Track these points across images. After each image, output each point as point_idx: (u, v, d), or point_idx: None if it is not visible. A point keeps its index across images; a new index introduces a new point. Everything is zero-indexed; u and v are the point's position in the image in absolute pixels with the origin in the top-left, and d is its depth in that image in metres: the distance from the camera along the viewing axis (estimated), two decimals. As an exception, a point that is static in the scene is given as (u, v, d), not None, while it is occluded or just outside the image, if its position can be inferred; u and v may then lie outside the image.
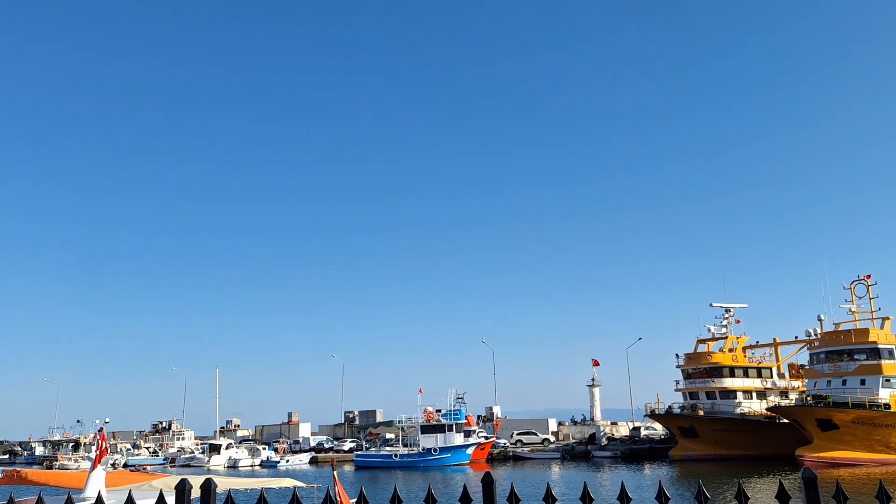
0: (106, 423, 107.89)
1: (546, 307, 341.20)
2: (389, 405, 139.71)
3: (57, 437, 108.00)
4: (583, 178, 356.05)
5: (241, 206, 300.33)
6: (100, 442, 10.08)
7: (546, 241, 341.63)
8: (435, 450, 65.78)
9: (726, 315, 72.64)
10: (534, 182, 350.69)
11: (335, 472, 9.85)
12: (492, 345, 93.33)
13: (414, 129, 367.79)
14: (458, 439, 67.42)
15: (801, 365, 76.80)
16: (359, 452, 72.16)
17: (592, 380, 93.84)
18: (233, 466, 75.97)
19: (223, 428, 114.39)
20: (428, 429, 67.55)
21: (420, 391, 72.11)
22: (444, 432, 67.02)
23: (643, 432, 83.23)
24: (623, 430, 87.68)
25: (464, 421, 69.55)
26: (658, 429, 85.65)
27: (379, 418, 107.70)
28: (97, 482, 9.60)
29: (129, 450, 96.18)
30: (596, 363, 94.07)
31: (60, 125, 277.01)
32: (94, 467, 9.73)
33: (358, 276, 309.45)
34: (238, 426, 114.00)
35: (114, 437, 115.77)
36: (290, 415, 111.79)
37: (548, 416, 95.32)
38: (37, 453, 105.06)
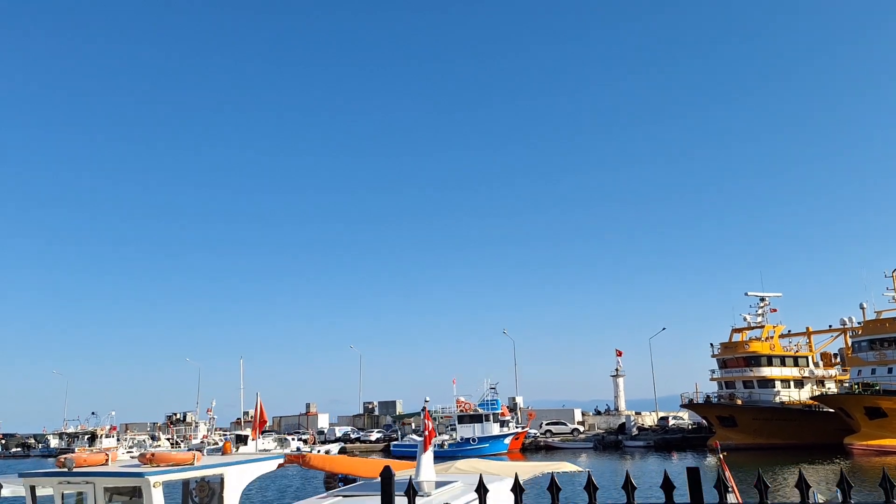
0: (112, 415, 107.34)
1: (567, 298, 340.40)
2: (408, 396, 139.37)
3: (71, 430, 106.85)
4: (607, 166, 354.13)
5: (259, 196, 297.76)
6: (426, 422, 9.30)
7: (568, 231, 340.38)
8: (473, 439, 65.20)
9: (761, 304, 72.30)
10: (554, 170, 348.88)
11: (721, 455, 9.10)
12: (512, 335, 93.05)
13: (424, 122, 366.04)
14: (495, 429, 66.88)
15: (833, 354, 76.77)
16: (396, 442, 71.54)
17: (616, 370, 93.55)
18: (262, 457, 75.14)
19: (239, 419, 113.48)
20: (465, 419, 66.99)
21: (454, 381, 71.60)
22: (482, 422, 66.47)
23: (671, 422, 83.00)
24: (648, 420, 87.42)
25: (500, 411, 69.04)
26: (685, 418, 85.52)
27: (399, 409, 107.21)
28: (428, 467, 8.86)
29: (144, 441, 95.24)
30: (619, 353, 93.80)
31: (71, 109, 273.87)
32: (424, 449, 8.96)
33: (375, 267, 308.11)
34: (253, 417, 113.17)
35: (126, 430, 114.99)
36: (308, 406, 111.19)
37: (570, 406, 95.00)
38: (52, 446, 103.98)
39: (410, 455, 66.16)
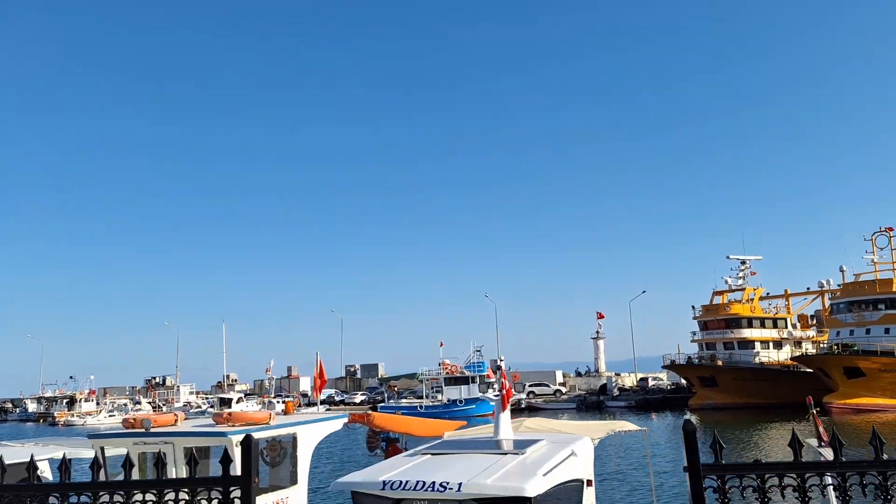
0: (90, 379, 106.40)
1: (548, 263, 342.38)
2: (390, 359, 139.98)
3: (49, 394, 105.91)
4: (589, 134, 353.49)
5: (240, 163, 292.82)
6: (502, 381, 9.28)
7: (551, 198, 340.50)
8: (460, 401, 65.92)
9: (742, 267, 73.51)
10: (538, 138, 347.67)
11: (814, 411, 9.19)
12: (494, 299, 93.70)
13: (409, 89, 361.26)
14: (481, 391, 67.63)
15: (810, 316, 78.58)
16: (383, 405, 72.00)
17: (597, 332, 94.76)
18: (248, 420, 75.31)
19: (220, 383, 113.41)
20: (451, 381, 67.62)
21: (441, 344, 72.00)
22: (468, 384, 67.15)
23: (651, 383, 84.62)
24: (627, 381, 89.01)
25: (486, 373, 69.72)
26: (664, 379, 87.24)
27: (381, 372, 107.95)
28: (507, 426, 8.88)
29: (126, 405, 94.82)
30: (601, 316, 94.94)
31: (48, 79, 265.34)
32: (502, 408, 8.95)
33: (357, 232, 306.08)
34: (236, 381, 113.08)
35: (105, 394, 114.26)
36: (289, 369, 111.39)
37: (551, 369, 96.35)
38: (30, 410, 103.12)
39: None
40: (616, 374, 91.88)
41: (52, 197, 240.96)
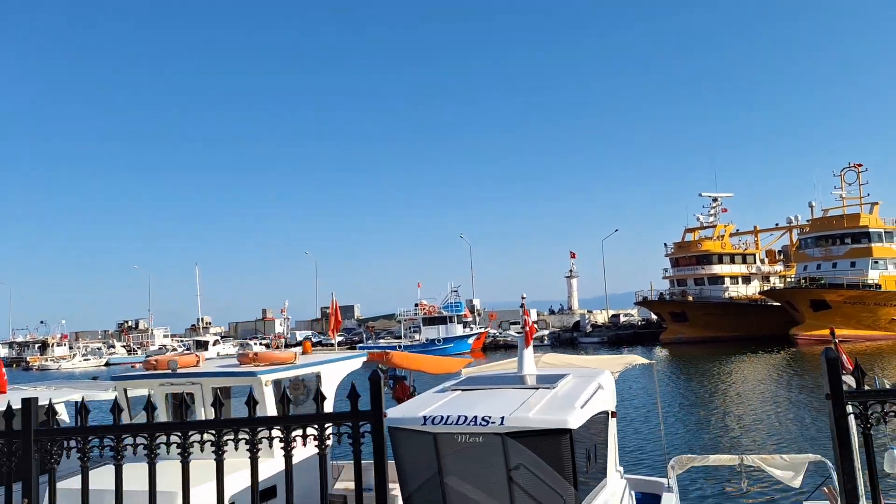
0: (62, 323, 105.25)
1: (521, 204, 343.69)
2: (366, 301, 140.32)
3: (21, 339, 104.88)
4: (564, 75, 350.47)
5: (216, 106, 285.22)
6: (525, 318, 9.38)
7: (524, 140, 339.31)
8: (438, 340, 66.69)
9: (713, 204, 74.51)
10: (513, 82, 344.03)
11: (836, 341, 9.45)
12: (469, 240, 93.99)
13: (391, 35, 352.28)
14: (459, 330, 68.48)
15: (777, 251, 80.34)
16: (361, 345, 72.54)
17: (570, 271, 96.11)
18: (226, 362, 75.50)
19: (194, 325, 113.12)
20: (429, 321, 68.28)
21: (419, 285, 72.45)
22: (446, 324, 67.92)
23: (622, 319, 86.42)
24: (600, 318, 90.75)
25: (463, 312, 70.54)
26: (635, 315, 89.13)
27: (357, 313, 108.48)
28: (530, 362, 9.02)
29: (100, 349, 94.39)
30: (573, 255, 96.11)
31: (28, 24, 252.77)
32: (525, 344, 9.07)
33: (329, 174, 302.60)
34: (209, 324, 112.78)
35: (77, 338, 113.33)
36: (264, 311, 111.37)
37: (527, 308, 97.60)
38: (2, 355, 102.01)
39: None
40: (588, 312, 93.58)
41: (18, 142, 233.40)
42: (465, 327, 70.34)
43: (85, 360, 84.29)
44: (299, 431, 4.01)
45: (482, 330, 72.68)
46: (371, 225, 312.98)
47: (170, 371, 9.18)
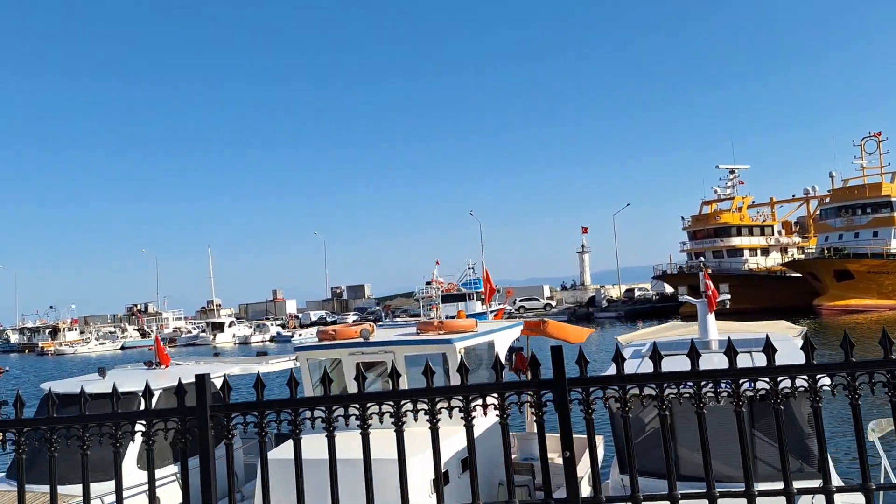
0: (72, 308, 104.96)
1: (532, 180, 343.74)
2: (376, 280, 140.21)
3: (31, 325, 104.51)
4: (576, 48, 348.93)
5: (221, 89, 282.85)
6: (707, 282, 9.13)
7: (534, 115, 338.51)
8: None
9: (731, 176, 74.14)
10: (524, 56, 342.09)
11: None
12: (479, 217, 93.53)
13: (394, 14, 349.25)
14: (478, 307, 68.15)
15: (794, 223, 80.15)
16: (380, 323, 72.41)
17: (582, 246, 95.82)
18: (244, 343, 75.34)
19: (204, 308, 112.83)
20: (448, 298, 67.97)
21: (437, 262, 71.74)
22: (465, 301, 67.65)
23: (637, 293, 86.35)
24: (613, 293, 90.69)
25: (482, 290, 70.21)
26: (649, 289, 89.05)
27: (367, 293, 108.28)
28: (713, 328, 8.81)
29: (113, 333, 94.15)
30: (585, 230, 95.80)
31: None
32: (709, 310, 8.84)
33: (338, 153, 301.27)
34: (220, 306, 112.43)
35: (87, 323, 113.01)
36: (274, 292, 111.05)
37: (537, 283, 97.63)
38: (13, 341, 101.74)
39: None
40: (601, 287, 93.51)
41: (25, 126, 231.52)
42: (482, 304, 70.10)
43: (101, 343, 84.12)
44: (479, 401, 3.82)
45: (500, 307, 72.44)
46: (378, 204, 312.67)
47: (361, 340, 9.00)
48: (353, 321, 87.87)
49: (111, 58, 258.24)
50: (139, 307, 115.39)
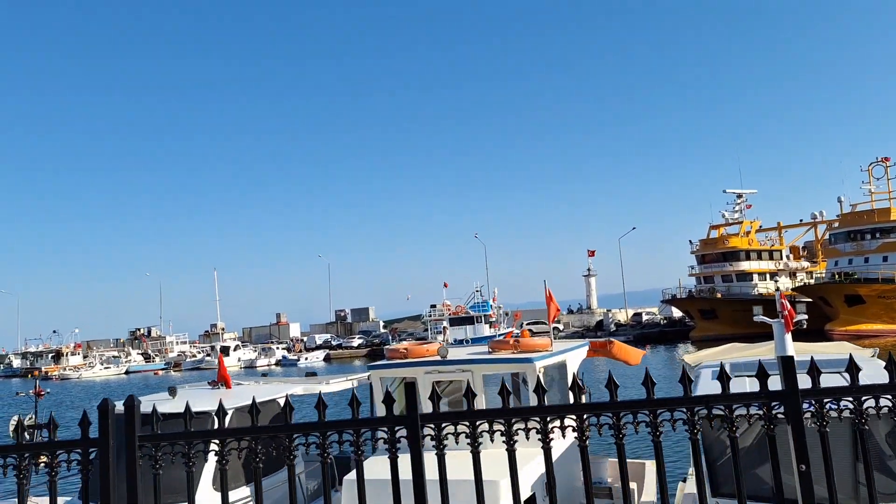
0: (75, 332, 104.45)
1: (538, 201, 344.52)
2: (380, 303, 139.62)
3: (34, 349, 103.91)
4: (581, 65, 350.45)
5: (221, 107, 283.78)
6: (783, 301, 8.95)
7: (538, 133, 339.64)
8: (466, 341, 66.07)
9: (738, 200, 74.22)
10: (526, 69, 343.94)
11: None
12: (484, 240, 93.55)
13: (390, 26, 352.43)
14: (486, 330, 67.88)
15: (801, 247, 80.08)
16: (388, 346, 72.02)
17: (588, 270, 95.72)
18: (250, 367, 74.84)
19: (207, 332, 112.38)
20: (456, 321, 67.71)
21: (445, 285, 71.88)
22: (473, 324, 67.38)
23: (644, 317, 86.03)
24: (620, 317, 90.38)
25: (490, 312, 70.04)
26: (657, 313, 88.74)
27: (372, 315, 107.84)
28: (791, 348, 8.58)
29: (117, 357, 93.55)
30: (591, 253, 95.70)
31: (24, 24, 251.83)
32: (786, 329, 8.63)
33: (339, 175, 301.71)
34: (223, 329, 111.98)
35: (89, 347, 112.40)
36: (278, 316, 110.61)
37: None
38: (15, 366, 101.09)
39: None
40: (608, 311, 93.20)
41: (26, 146, 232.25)
42: (490, 327, 69.81)
43: (105, 368, 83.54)
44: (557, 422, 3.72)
45: (507, 330, 72.12)
46: (382, 227, 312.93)
47: (439, 358, 8.84)
48: (358, 345, 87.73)
49: (114, 75, 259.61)
50: (142, 331, 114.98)
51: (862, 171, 65.01)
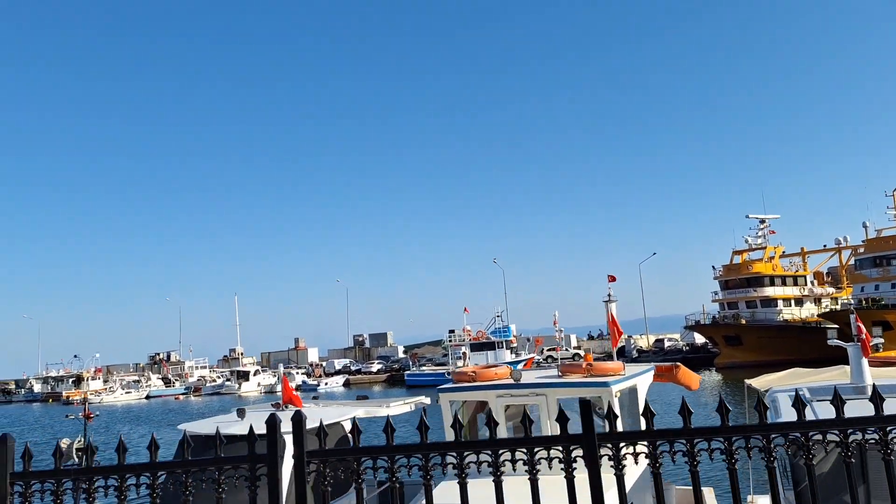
0: (96, 357, 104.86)
1: (555, 228, 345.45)
2: (398, 328, 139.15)
3: (54, 374, 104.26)
4: (601, 89, 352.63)
5: (238, 130, 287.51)
6: (859, 325, 8.81)
7: (557, 160, 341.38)
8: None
9: (761, 226, 73.68)
10: (548, 94, 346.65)
11: None
12: (502, 265, 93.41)
13: (414, 47, 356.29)
14: (508, 356, 67.45)
15: (825, 273, 79.21)
16: (409, 373, 71.70)
17: (609, 295, 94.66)
18: (270, 392, 74.67)
19: (226, 356, 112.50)
20: (477, 346, 67.36)
21: (466, 310, 71.60)
22: (495, 349, 66.98)
23: (667, 344, 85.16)
24: (641, 343, 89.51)
25: (511, 338, 69.66)
26: (679, 339, 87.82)
27: (390, 341, 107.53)
28: (868, 373, 8.43)
29: (137, 382, 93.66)
30: (612, 279, 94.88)
31: (46, 49, 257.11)
32: (864, 355, 8.51)
33: (357, 200, 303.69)
34: (242, 354, 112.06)
35: (108, 371, 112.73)
36: (296, 340, 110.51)
37: (564, 333, 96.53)
38: (36, 390, 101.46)
39: (427, 383, 66.97)
40: (629, 337, 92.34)
41: (46, 173, 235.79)
42: (512, 353, 69.37)
43: (127, 393, 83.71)
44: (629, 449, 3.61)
45: (529, 356, 71.59)
46: (401, 253, 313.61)
47: (512, 381, 8.72)
48: (378, 370, 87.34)
49: (137, 101, 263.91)
50: (161, 356, 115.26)
51: (887, 197, 64.47)
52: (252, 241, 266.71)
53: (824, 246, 76.21)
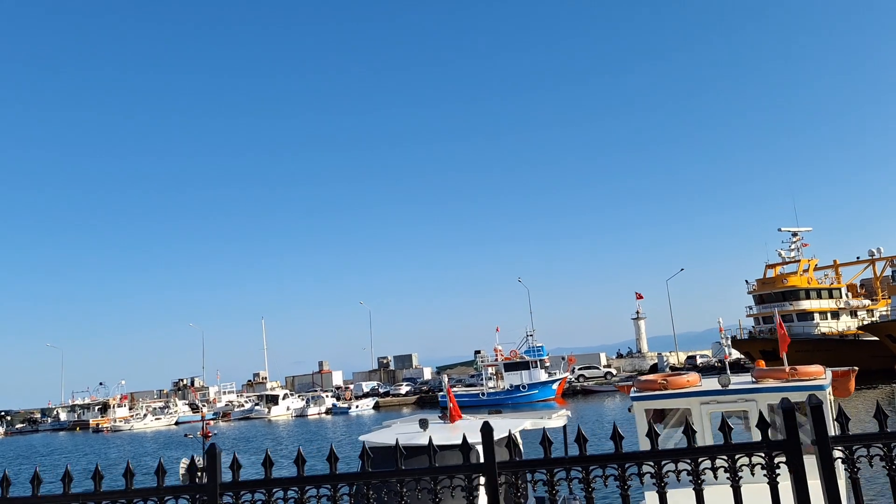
0: (122, 384, 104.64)
1: (581, 246, 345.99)
2: (422, 349, 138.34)
3: (80, 401, 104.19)
4: (626, 107, 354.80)
5: (261, 157, 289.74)
6: None
7: (585, 177, 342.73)
8: (523, 386, 65.04)
9: (794, 239, 72.92)
10: (573, 114, 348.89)
11: None
12: (527, 283, 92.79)
13: (426, 73, 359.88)
14: (542, 376, 66.78)
15: (858, 285, 78.16)
16: (442, 393, 71.02)
17: (637, 313, 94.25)
18: (301, 416, 74.13)
19: (250, 381, 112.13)
20: (511, 366, 66.72)
21: (497, 329, 70.95)
22: (529, 369, 66.30)
23: (699, 360, 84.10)
24: (672, 360, 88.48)
25: (546, 357, 68.95)
26: (710, 355, 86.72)
27: (415, 362, 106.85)
28: None
29: (164, 408, 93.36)
30: (640, 296, 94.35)
31: (62, 84, 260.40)
32: None
33: (380, 221, 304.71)
34: (265, 378, 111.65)
35: (133, 398, 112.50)
36: (321, 364, 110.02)
37: (593, 351, 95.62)
38: (62, 419, 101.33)
39: (462, 404, 66.31)
40: (659, 353, 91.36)
41: (70, 201, 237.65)
42: (545, 372, 68.65)
43: (156, 419, 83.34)
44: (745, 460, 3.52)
45: (563, 375, 70.85)
46: (424, 273, 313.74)
47: (720, 387, 8.33)
48: (406, 392, 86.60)
49: (154, 126, 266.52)
50: (185, 381, 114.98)
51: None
52: (274, 266, 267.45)
53: (857, 258, 75.33)
